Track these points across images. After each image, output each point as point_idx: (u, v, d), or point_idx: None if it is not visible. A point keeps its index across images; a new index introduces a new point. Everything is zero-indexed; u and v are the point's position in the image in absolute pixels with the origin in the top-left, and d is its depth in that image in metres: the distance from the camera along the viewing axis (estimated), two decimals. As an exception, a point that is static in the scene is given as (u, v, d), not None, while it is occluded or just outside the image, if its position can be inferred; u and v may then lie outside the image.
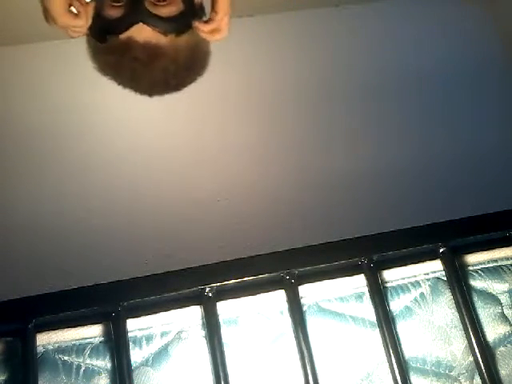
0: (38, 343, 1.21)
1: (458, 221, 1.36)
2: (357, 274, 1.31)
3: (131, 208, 1.75)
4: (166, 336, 1.25)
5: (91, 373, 1.21)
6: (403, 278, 1.32)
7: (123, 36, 0.99)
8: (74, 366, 1.21)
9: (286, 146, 1.87)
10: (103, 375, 1.21)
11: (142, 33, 0.98)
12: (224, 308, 1.27)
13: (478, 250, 1.36)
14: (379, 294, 1.28)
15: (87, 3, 0.96)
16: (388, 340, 1.24)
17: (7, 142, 1.82)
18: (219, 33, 1.04)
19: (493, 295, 1.32)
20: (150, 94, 1.09)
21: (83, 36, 1.04)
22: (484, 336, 1.27)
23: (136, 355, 1.23)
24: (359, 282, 1.31)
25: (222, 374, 1.19)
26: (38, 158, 1.81)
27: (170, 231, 1.73)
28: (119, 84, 1.07)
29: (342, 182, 1.82)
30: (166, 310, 1.26)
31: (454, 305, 1.29)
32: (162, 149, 1.84)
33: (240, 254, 1.32)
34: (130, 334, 1.23)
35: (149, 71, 1.02)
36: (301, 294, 1.28)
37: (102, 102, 1.88)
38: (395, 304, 1.30)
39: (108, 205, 1.76)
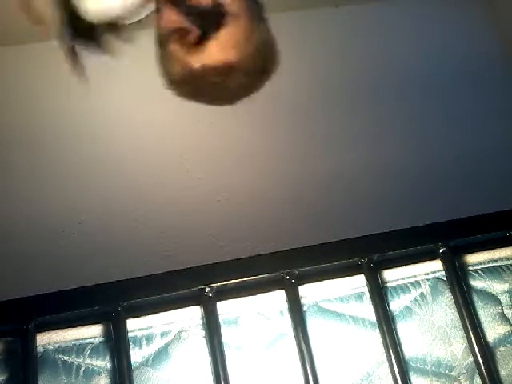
0: (38, 343, 1.21)
1: (458, 221, 1.36)
2: (357, 274, 1.31)
3: (131, 208, 1.75)
4: (166, 336, 1.25)
5: (91, 373, 1.21)
6: (403, 278, 1.32)
7: (196, 64, 0.99)
8: (74, 366, 1.21)
9: (285, 146, 1.87)
10: (103, 375, 1.21)
11: (211, 56, 0.99)
12: (224, 308, 1.27)
13: (478, 250, 1.36)
14: (379, 294, 1.28)
15: None
16: (388, 340, 1.24)
17: (7, 142, 1.82)
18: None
19: (493, 295, 1.32)
20: (231, 104, 1.11)
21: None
22: (484, 336, 1.27)
23: (136, 355, 1.23)
24: (359, 281, 1.31)
25: (222, 374, 1.19)
26: (38, 159, 1.81)
27: (169, 231, 1.73)
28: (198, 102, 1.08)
29: (342, 181, 1.82)
30: (166, 310, 1.26)
31: (454, 305, 1.29)
32: (162, 148, 1.84)
33: (240, 253, 1.32)
34: (130, 334, 1.23)
35: (226, 89, 1.04)
36: (301, 294, 1.28)
37: (103, 103, 1.88)
38: (395, 304, 1.30)
39: (108, 205, 1.76)
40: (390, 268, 1.33)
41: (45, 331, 1.23)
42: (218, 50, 1.00)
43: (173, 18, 0.99)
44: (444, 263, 1.32)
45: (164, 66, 1.08)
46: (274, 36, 1.09)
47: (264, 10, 1.09)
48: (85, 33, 1.07)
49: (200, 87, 1.03)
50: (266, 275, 1.28)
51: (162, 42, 1.05)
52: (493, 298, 1.32)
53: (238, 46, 1.00)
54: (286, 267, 1.28)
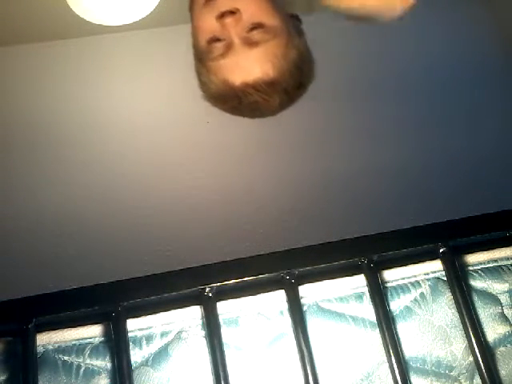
0: (38, 343, 1.21)
1: (458, 221, 1.35)
2: (357, 274, 1.31)
3: (131, 208, 1.75)
4: (166, 336, 1.25)
5: (91, 373, 1.21)
6: (403, 278, 1.32)
7: (236, 81, 0.98)
8: (74, 366, 1.21)
9: (285, 146, 1.87)
10: (103, 375, 1.21)
11: (251, 75, 0.97)
12: (224, 308, 1.26)
13: (478, 250, 1.36)
14: (379, 294, 1.27)
15: None
16: (388, 340, 1.24)
17: (7, 141, 1.82)
18: None
19: (493, 295, 1.32)
20: (271, 116, 1.11)
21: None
22: (484, 336, 1.27)
23: (136, 355, 1.23)
24: (359, 281, 1.31)
25: (222, 374, 1.19)
26: (38, 159, 1.81)
27: (169, 231, 1.73)
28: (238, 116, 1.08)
29: (342, 182, 1.82)
30: (166, 310, 1.26)
31: (454, 305, 1.29)
32: (162, 148, 1.84)
33: (240, 253, 1.32)
34: (130, 334, 1.23)
35: (267, 108, 1.04)
36: (301, 294, 1.28)
37: (104, 102, 1.88)
38: (395, 304, 1.30)
39: (108, 205, 1.76)
40: (390, 268, 1.32)
41: (45, 331, 1.23)
42: (258, 67, 0.98)
43: (210, 26, 0.98)
44: (444, 263, 1.32)
45: (203, 81, 1.06)
46: (309, 48, 1.09)
47: (301, 24, 1.09)
48: None
49: (242, 104, 1.03)
50: (266, 275, 1.28)
51: (200, 55, 1.03)
52: (493, 298, 1.32)
53: (277, 64, 0.99)
54: (286, 267, 1.28)
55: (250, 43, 0.96)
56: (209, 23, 0.98)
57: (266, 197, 1.79)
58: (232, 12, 0.95)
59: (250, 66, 0.98)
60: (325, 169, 1.82)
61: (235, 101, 1.02)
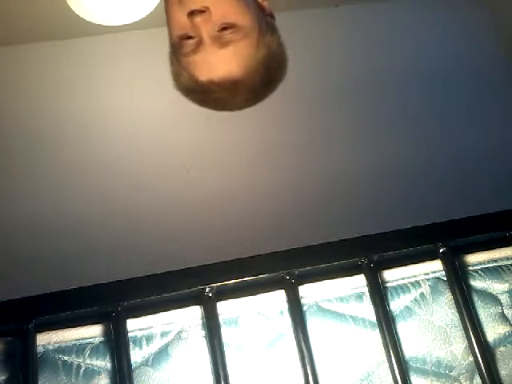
0: (38, 343, 1.21)
1: (458, 221, 1.35)
2: (357, 274, 1.31)
3: (131, 208, 1.75)
4: (166, 336, 1.25)
5: (91, 373, 1.21)
6: (403, 278, 1.32)
7: (202, 78, 1.01)
8: (74, 366, 1.21)
9: (285, 146, 1.87)
10: (103, 375, 1.21)
11: (216, 73, 1.00)
12: (224, 308, 1.26)
13: (478, 250, 1.36)
14: (379, 294, 1.27)
15: None
16: (388, 340, 1.24)
17: (8, 141, 1.82)
18: None
19: (493, 295, 1.32)
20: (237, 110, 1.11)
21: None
22: (484, 336, 1.27)
23: (136, 355, 1.23)
24: (359, 281, 1.31)
25: (222, 374, 1.19)
26: (38, 158, 1.81)
27: (169, 231, 1.73)
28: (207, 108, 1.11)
29: (342, 182, 1.82)
30: (165, 310, 1.26)
31: (454, 305, 1.29)
32: (162, 148, 1.84)
33: (240, 253, 1.32)
34: (130, 334, 1.23)
35: (232, 104, 1.07)
36: (301, 294, 1.28)
37: (103, 103, 1.88)
38: (395, 304, 1.29)
39: (108, 205, 1.76)
40: (390, 268, 1.32)
41: (45, 331, 1.22)
42: (224, 66, 1.00)
43: (182, 23, 1.00)
44: (444, 263, 1.32)
45: (174, 72, 1.08)
46: (282, 44, 1.09)
47: (274, 20, 1.09)
48: None
49: (207, 100, 1.06)
50: (266, 275, 1.28)
51: (173, 49, 1.06)
52: (493, 298, 1.32)
53: (244, 64, 1.01)
54: (286, 267, 1.28)
55: (220, 43, 0.99)
56: (180, 20, 1.00)
57: (266, 197, 1.79)
58: (202, 11, 0.97)
59: (216, 64, 1.01)
60: (325, 169, 1.82)
61: (201, 95, 1.06)
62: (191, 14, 0.98)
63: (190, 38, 1.00)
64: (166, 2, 1.04)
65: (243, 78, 1.01)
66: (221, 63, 1.00)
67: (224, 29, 0.99)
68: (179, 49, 1.03)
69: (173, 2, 1.01)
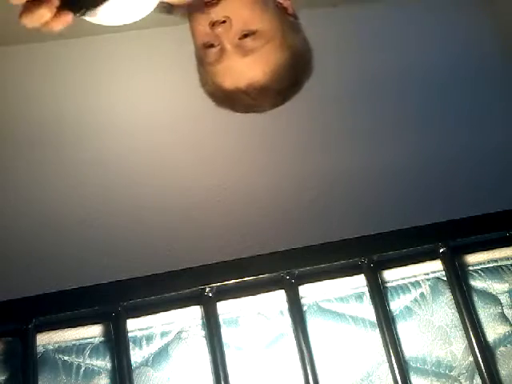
0: (38, 343, 1.21)
1: (458, 221, 1.35)
2: (357, 274, 1.31)
3: (131, 208, 1.75)
4: (166, 336, 1.25)
5: (91, 373, 1.21)
6: (403, 278, 1.32)
7: (229, 87, 1.02)
8: (74, 366, 1.21)
9: (285, 146, 1.87)
10: (103, 375, 1.21)
11: (242, 81, 1.01)
12: (224, 308, 1.27)
13: (478, 250, 1.36)
14: (379, 294, 1.28)
15: None
16: (388, 340, 1.24)
17: (8, 141, 1.82)
18: None
19: (493, 295, 1.32)
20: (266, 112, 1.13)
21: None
22: (484, 336, 1.27)
23: (136, 355, 1.23)
24: (359, 282, 1.31)
25: (222, 374, 1.19)
26: (38, 158, 1.81)
27: (170, 231, 1.73)
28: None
29: (342, 182, 1.82)
30: (165, 310, 1.26)
31: (454, 305, 1.29)
32: (162, 148, 1.84)
33: (240, 253, 1.32)
34: (130, 334, 1.23)
35: (261, 108, 1.07)
36: (301, 294, 1.28)
37: (104, 102, 1.88)
38: (395, 304, 1.30)
39: (108, 205, 1.76)
40: (390, 268, 1.32)
41: (45, 331, 1.23)
42: (249, 74, 1.00)
43: (204, 32, 1.00)
44: (444, 263, 1.32)
45: (202, 80, 1.09)
46: (307, 42, 1.10)
47: (297, 20, 1.09)
48: None
49: (236, 104, 1.06)
50: (266, 275, 1.28)
51: (198, 58, 1.06)
52: (493, 298, 1.32)
53: (269, 70, 1.01)
54: (286, 267, 1.28)
55: (244, 51, 0.99)
56: (202, 30, 1.00)
57: (266, 197, 1.78)
58: (223, 21, 0.98)
59: (241, 72, 1.01)
60: (325, 169, 1.82)
61: (229, 102, 1.06)
62: (212, 24, 0.98)
63: (212, 46, 1.00)
64: (189, 14, 1.04)
65: (270, 84, 1.01)
66: (245, 71, 1.00)
67: (245, 36, 0.99)
68: (204, 58, 1.03)
69: (195, 13, 1.01)
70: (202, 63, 1.05)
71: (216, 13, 0.98)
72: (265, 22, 1.01)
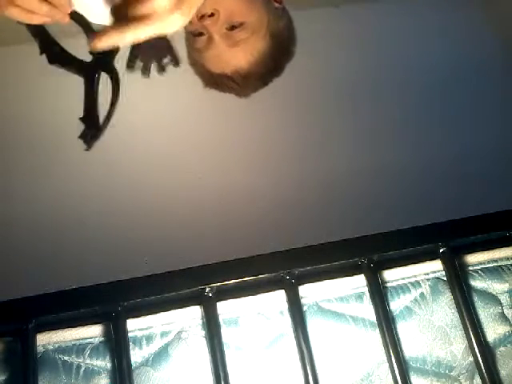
0: (38, 343, 1.21)
1: (458, 221, 1.35)
2: (357, 274, 1.31)
3: (131, 208, 1.75)
4: (166, 336, 1.25)
5: (91, 373, 1.21)
6: (403, 278, 1.32)
7: (216, 71, 1.11)
8: (74, 366, 1.21)
9: (285, 146, 1.87)
10: (103, 375, 1.21)
11: (228, 68, 1.10)
12: (224, 308, 1.26)
13: (478, 250, 1.36)
14: (379, 294, 1.27)
15: None
16: (388, 340, 1.24)
17: (8, 141, 1.82)
18: None
19: (493, 295, 1.32)
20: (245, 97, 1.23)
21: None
22: (484, 336, 1.27)
23: (136, 355, 1.22)
24: (359, 281, 1.31)
25: (222, 374, 1.19)
26: (38, 158, 1.81)
27: (169, 231, 1.73)
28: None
29: (342, 182, 1.82)
30: (166, 310, 1.26)
31: (454, 305, 1.29)
32: (162, 148, 1.84)
33: (240, 253, 1.32)
34: (130, 334, 1.23)
35: (244, 91, 1.17)
36: (301, 294, 1.28)
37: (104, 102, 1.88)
38: (395, 304, 1.29)
39: (108, 205, 1.76)
40: (390, 268, 1.32)
41: (45, 331, 1.22)
42: (235, 63, 1.06)
43: (193, 22, 1.04)
44: (444, 263, 1.32)
45: (191, 60, 1.18)
46: (290, 23, 1.15)
47: (282, 6, 1.13)
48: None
49: (221, 86, 1.15)
50: (266, 275, 1.28)
51: (187, 42, 1.12)
52: (493, 298, 1.32)
53: (254, 59, 1.07)
54: (286, 267, 1.28)
55: (231, 42, 1.05)
56: (191, 19, 1.04)
57: (265, 197, 1.78)
58: (211, 14, 1.02)
59: (228, 61, 1.09)
60: (325, 169, 1.82)
61: (215, 84, 1.15)
62: (201, 17, 1.02)
63: (201, 34, 1.06)
64: None
65: (253, 70, 1.10)
66: (232, 60, 1.07)
67: (233, 27, 1.04)
68: (192, 43, 1.11)
69: None
70: (191, 47, 1.10)
71: (204, 5, 1.00)
72: (252, 13, 1.06)
